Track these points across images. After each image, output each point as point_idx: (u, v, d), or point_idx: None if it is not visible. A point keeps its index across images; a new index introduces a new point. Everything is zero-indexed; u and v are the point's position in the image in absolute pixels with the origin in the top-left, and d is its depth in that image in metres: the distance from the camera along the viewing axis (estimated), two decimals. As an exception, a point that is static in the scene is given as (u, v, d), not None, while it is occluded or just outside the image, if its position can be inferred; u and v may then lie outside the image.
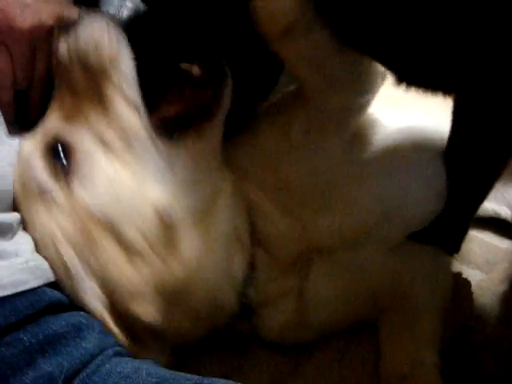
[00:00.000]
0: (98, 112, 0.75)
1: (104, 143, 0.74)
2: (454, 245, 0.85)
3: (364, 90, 0.79)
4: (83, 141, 0.74)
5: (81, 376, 0.65)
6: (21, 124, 0.82)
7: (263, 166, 0.82)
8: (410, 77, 0.67)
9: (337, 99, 0.78)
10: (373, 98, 0.81)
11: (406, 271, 0.85)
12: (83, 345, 0.67)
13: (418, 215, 0.83)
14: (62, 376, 0.63)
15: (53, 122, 0.77)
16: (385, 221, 0.82)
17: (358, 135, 0.82)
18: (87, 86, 0.76)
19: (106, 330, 0.71)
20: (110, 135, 0.74)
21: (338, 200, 0.81)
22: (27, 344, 0.64)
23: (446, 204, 0.82)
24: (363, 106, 0.81)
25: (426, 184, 0.83)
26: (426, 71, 0.65)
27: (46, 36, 0.78)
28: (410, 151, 0.83)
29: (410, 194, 0.83)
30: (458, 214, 0.82)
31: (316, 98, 0.78)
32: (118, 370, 0.67)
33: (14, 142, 0.77)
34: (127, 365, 0.68)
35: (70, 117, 0.76)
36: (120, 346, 0.71)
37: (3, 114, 0.78)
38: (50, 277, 0.71)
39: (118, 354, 0.69)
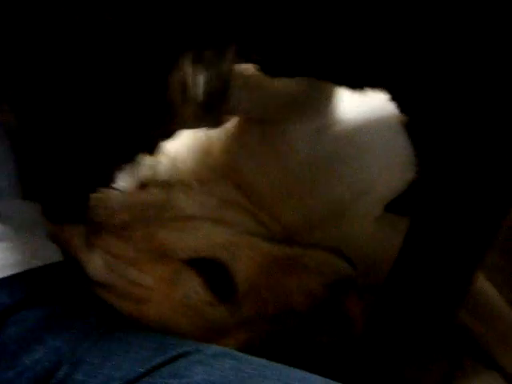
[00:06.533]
0: None
1: None
2: None
3: (320, 109, 0.82)
4: None
5: None
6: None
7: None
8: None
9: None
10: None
11: (392, 240, 0.84)
12: None
13: (390, 188, 0.85)
14: None
15: None
16: (358, 200, 0.85)
17: (323, 126, 0.84)
18: None
19: None
20: None
21: (307, 192, 0.83)
22: None
23: None
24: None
25: (394, 156, 0.85)
26: None
27: None
28: (374, 130, 0.85)
29: (379, 170, 0.85)
30: None
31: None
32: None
33: None
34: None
35: None
36: None
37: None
38: None
39: None
